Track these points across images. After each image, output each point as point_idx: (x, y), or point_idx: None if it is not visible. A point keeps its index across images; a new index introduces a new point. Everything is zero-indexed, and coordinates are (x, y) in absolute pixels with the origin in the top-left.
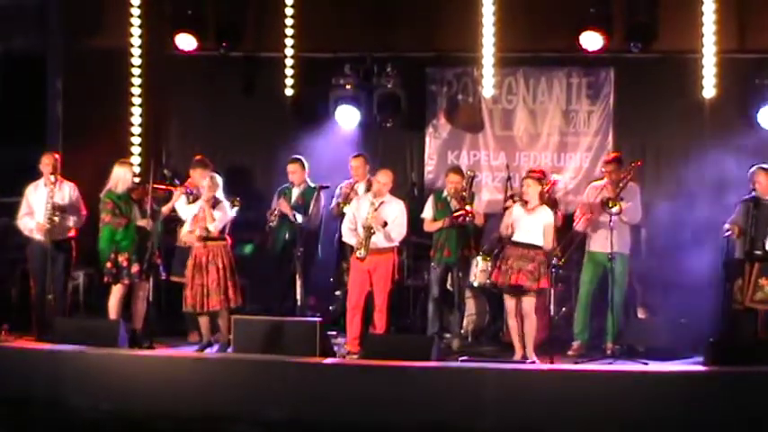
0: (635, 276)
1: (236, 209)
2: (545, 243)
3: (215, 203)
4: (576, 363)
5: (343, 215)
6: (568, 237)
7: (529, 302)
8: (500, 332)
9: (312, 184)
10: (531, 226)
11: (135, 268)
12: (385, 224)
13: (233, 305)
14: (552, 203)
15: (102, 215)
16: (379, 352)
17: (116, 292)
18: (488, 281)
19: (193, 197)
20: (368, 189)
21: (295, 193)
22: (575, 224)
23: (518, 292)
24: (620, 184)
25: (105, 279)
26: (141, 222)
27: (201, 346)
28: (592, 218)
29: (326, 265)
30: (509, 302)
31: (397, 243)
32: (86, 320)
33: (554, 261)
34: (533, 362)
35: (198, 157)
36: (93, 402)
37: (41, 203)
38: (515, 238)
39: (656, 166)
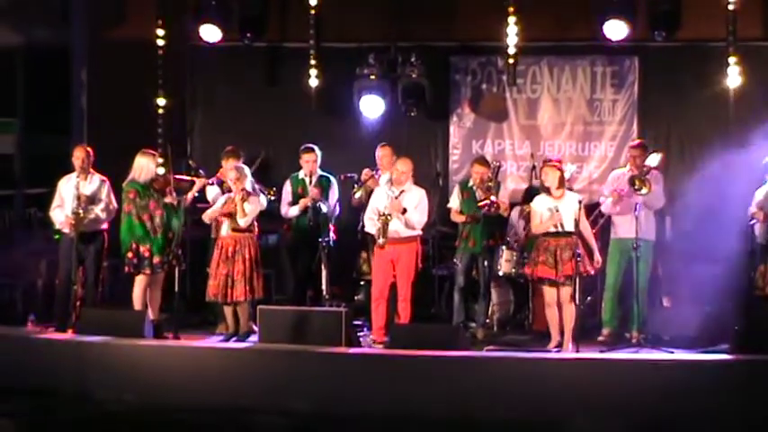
0: (660, 264)
1: (267, 199)
2: (582, 228)
3: (246, 196)
4: (602, 351)
5: (360, 203)
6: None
7: (567, 290)
8: (525, 321)
9: (323, 173)
10: (563, 213)
11: (156, 259)
12: (404, 211)
13: (257, 296)
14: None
15: (123, 205)
16: (405, 342)
17: (140, 283)
18: (514, 270)
19: (227, 188)
20: (392, 180)
21: (311, 182)
22: (601, 205)
23: (571, 280)
24: (644, 170)
25: (126, 269)
26: (167, 199)
27: (226, 337)
28: (619, 198)
29: (350, 255)
30: (551, 292)
31: (418, 230)
32: (111, 311)
33: (578, 251)
34: (576, 350)
35: (229, 148)
36: (117, 394)
37: (71, 196)
38: (552, 228)
39: (680, 155)
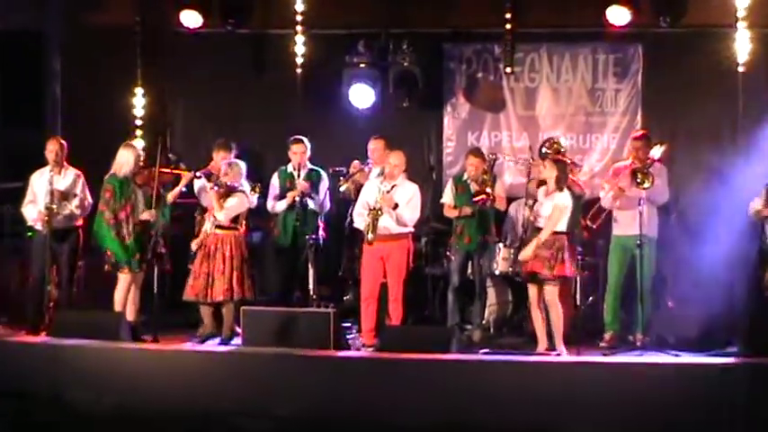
0: (664, 263)
1: (256, 196)
2: (545, 224)
3: (230, 191)
4: (604, 355)
5: (347, 197)
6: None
7: (551, 291)
8: (523, 323)
9: (312, 167)
10: (548, 210)
11: (136, 257)
12: (396, 206)
13: (237, 297)
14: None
15: (100, 201)
16: (397, 344)
17: (123, 282)
18: (511, 269)
19: (215, 181)
20: (384, 174)
21: (299, 176)
22: (601, 200)
23: (536, 280)
24: (647, 163)
25: (105, 267)
26: (144, 216)
27: (203, 338)
28: (620, 193)
29: (337, 253)
30: (531, 291)
31: (410, 227)
32: (87, 313)
33: (579, 249)
34: (559, 354)
35: (221, 140)
36: (95, 398)
37: (44, 191)
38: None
39: (686, 147)
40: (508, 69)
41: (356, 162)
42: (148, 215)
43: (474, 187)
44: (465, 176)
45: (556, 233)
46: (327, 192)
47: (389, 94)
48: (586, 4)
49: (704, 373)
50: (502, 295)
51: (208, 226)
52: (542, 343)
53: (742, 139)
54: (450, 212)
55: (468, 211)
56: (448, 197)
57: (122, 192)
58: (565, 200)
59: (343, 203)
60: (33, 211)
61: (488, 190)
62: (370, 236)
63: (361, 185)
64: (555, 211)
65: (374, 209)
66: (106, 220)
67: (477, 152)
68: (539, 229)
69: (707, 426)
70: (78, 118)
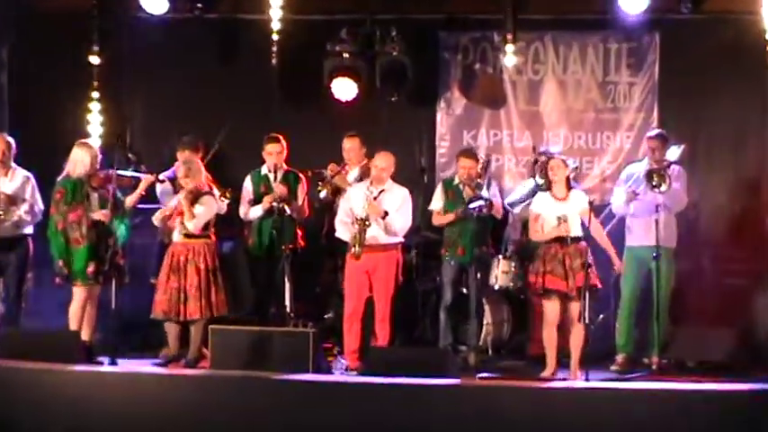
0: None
1: (226, 202)
2: (594, 231)
3: (197, 197)
4: (616, 380)
5: (328, 202)
6: None
7: (576, 307)
8: (524, 344)
9: (289, 168)
10: (569, 216)
11: (90, 268)
12: (385, 214)
13: (216, 314)
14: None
15: (51, 204)
16: (383, 367)
17: (78, 297)
18: (511, 284)
19: (185, 191)
20: (362, 176)
21: (276, 179)
22: (612, 205)
23: (563, 296)
24: (663, 164)
25: (57, 280)
26: (97, 215)
27: (165, 361)
28: (633, 197)
29: (316, 265)
30: (553, 309)
31: (400, 237)
32: (37, 331)
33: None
34: (576, 378)
35: (186, 138)
36: (44, 427)
37: None
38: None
39: (708, 148)
40: (509, 60)
41: (333, 164)
42: (101, 215)
43: (467, 192)
44: (456, 180)
45: (580, 239)
46: (306, 196)
47: (376, 87)
48: None
49: (728, 402)
50: (498, 313)
51: (175, 235)
52: (551, 367)
53: None
54: (439, 219)
55: (459, 214)
56: (437, 203)
57: (74, 194)
58: (586, 198)
59: (320, 210)
60: None
61: (485, 195)
62: (357, 249)
63: (338, 189)
64: (587, 212)
65: (361, 219)
66: (55, 224)
67: (468, 153)
68: (570, 239)
69: None
70: (28, 113)
